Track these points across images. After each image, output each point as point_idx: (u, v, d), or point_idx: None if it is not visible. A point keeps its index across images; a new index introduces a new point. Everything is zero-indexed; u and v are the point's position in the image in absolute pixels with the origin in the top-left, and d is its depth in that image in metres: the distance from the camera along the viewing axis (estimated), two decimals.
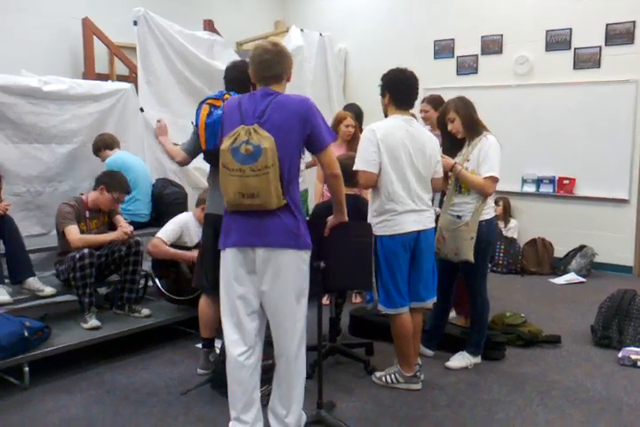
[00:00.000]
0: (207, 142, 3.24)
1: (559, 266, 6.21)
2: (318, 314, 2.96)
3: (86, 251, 3.71)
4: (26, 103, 4.58)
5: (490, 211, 3.57)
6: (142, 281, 4.25)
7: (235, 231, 2.57)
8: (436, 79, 6.64)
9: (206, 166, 3.60)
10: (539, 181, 6.54)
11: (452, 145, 3.67)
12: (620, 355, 3.77)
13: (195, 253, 3.90)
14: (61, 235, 3.91)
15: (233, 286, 2.59)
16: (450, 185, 3.61)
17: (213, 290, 3.38)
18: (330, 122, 5.09)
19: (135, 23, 5.39)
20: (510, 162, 5.47)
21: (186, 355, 3.87)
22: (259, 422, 2.67)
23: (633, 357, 3.71)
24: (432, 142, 3.34)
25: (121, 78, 5.88)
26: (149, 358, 3.84)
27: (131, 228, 4.03)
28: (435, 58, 7.18)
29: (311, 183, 5.51)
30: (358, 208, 3.57)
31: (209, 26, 6.64)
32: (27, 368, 3.37)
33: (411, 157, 3.23)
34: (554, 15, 6.35)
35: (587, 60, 6.22)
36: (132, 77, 5.86)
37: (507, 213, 6.56)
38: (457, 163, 3.53)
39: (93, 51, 5.99)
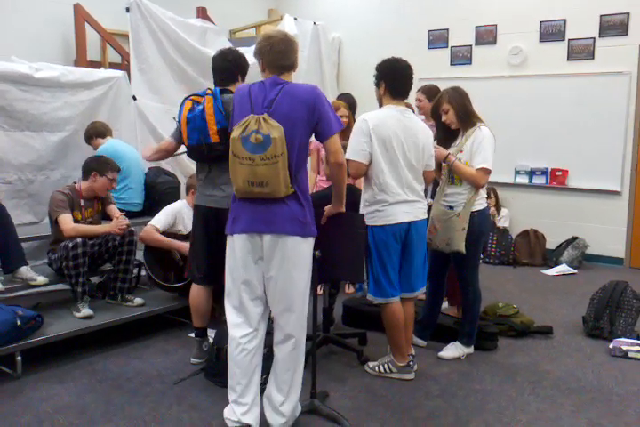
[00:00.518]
0: (189, 138, 3.22)
1: (551, 257, 6.25)
2: (313, 304, 2.96)
3: (79, 240, 3.69)
4: (17, 90, 4.55)
5: (482, 202, 3.57)
6: (135, 270, 4.23)
7: (243, 218, 2.61)
8: (429, 69, 6.62)
9: None
10: (531, 173, 6.55)
11: (445, 136, 3.67)
12: (610, 346, 3.80)
13: (185, 244, 3.89)
14: (54, 223, 3.88)
15: (239, 271, 2.64)
16: (443, 176, 3.61)
17: (204, 281, 3.39)
18: None
19: (127, 10, 5.34)
20: (503, 153, 5.45)
21: (179, 344, 3.86)
22: (256, 406, 2.69)
23: (624, 347, 3.74)
24: (425, 133, 3.33)
25: (113, 66, 5.84)
26: (142, 347, 3.84)
27: (127, 221, 4.00)
28: (429, 48, 7.15)
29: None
30: (352, 198, 3.57)
31: (202, 13, 6.58)
32: (19, 357, 3.35)
33: (403, 148, 3.22)
34: (548, 6, 6.34)
35: (581, 52, 6.22)
36: (124, 65, 5.82)
37: (497, 203, 6.58)
38: (450, 154, 3.53)
39: (85, 38, 5.92)
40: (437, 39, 7.10)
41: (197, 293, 3.46)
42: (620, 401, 3.15)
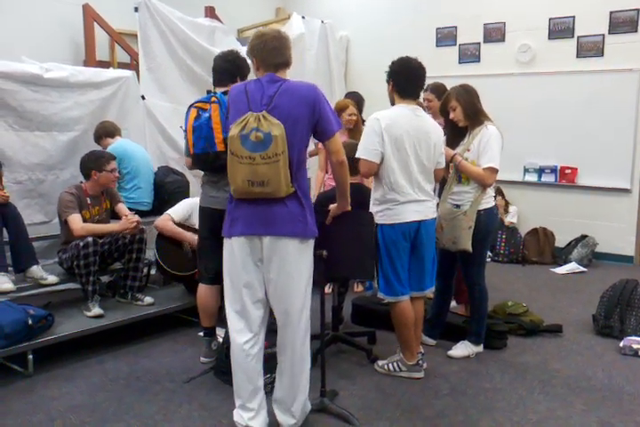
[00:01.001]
0: (194, 146, 3.20)
1: (560, 256, 6.22)
2: (321, 303, 2.96)
3: (90, 239, 3.71)
4: (27, 90, 4.57)
5: (489, 200, 3.56)
6: (145, 269, 4.24)
7: (241, 220, 2.56)
8: (437, 67, 6.56)
9: None
10: (540, 171, 6.53)
11: (454, 134, 3.66)
12: (621, 344, 3.79)
13: (196, 236, 3.90)
14: (64, 224, 3.91)
15: (239, 275, 2.60)
16: (450, 174, 3.61)
17: (212, 281, 3.40)
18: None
19: (136, 9, 5.38)
20: (512, 151, 5.44)
21: (188, 343, 3.88)
22: (263, 409, 2.69)
23: (634, 346, 3.72)
24: (437, 132, 3.33)
25: (122, 66, 5.86)
26: (152, 346, 3.86)
27: (137, 217, 4.02)
28: (437, 46, 7.13)
29: (314, 172, 5.50)
30: (361, 197, 3.57)
31: (210, 13, 6.60)
32: (30, 356, 3.38)
33: (414, 147, 3.22)
34: (557, 3, 6.31)
35: (590, 49, 6.18)
36: (133, 65, 5.83)
37: (504, 202, 6.56)
38: (457, 154, 3.52)
39: (94, 38, 5.94)
40: (446, 37, 7.08)
41: (205, 292, 3.47)
42: (630, 400, 3.13)
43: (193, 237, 4.02)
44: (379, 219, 3.25)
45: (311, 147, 4.97)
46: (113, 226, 4.01)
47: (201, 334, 3.68)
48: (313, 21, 7.12)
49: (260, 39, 2.58)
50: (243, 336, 2.62)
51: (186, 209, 4.17)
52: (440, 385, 3.30)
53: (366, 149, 3.21)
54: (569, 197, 6.42)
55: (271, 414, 2.72)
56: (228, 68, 3.36)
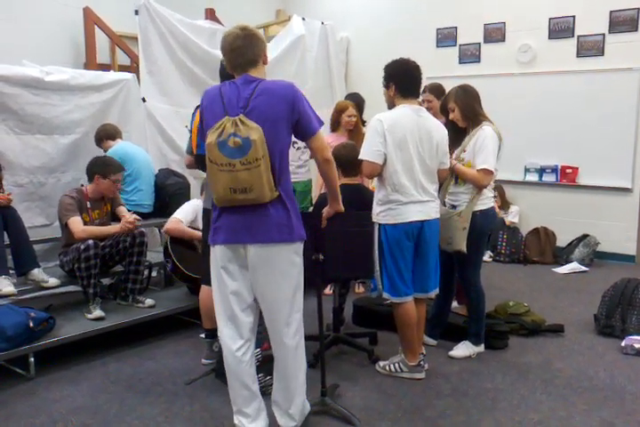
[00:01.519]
0: (198, 147, 3.19)
1: (562, 255, 6.21)
2: (318, 304, 2.96)
3: (91, 242, 3.72)
4: (28, 94, 4.58)
5: (486, 201, 3.56)
6: (146, 272, 4.25)
7: (224, 228, 2.50)
8: (438, 68, 6.60)
9: None
10: (541, 170, 6.52)
11: (455, 134, 3.65)
12: (622, 344, 3.78)
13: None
14: (65, 226, 3.91)
15: (225, 282, 2.55)
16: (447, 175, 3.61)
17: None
18: (332, 111, 5.09)
19: (136, 12, 5.40)
20: (513, 151, 5.46)
21: (190, 345, 3.88)
22: (262, 412, 2.67)
23: (636, 345, 3.71)
24: (440, 132, 3.32)
25: (123, 68, 5.87)
26: (153, 348, 3.86)
27: (135, 216, 4.04)
28: (437, 46, 7.14)
29: (315, 173, 5.52)
30: (361, 197, 3.58)
31: (210, 15, 6.62)
32: (32, 359, 3.39)
33: (417, 148, 3.22)
34: (557, 3, 6.31)
35: (590, 48, 6.18)
36: (133, 67, 5.84)
37: (503, 201, 6.56)
38: (450, 158, 3.53)
39: (95, 41, 5.96)
40: (446, 37, 7.09)
41: (207, 294, 3.45)
42: (632, 400, 3.13)
43: (199, 235, 4.00)
44: (381, 219, 3.26)
45: None
46: (113, 227, 4.02)
47: (202, 335, 3.69)
48: (313, 23, 7.13)
49: (225, 40, 2.49)
50: (234, 343, 2.59)
51: (191, 211, 4.17)
52: (441, 386, 3.30)
53: (369, 151, 3.21)
54: (570, 196, 6.41)
55: (272, 415, 2.72)
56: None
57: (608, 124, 6.08)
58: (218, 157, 2.36)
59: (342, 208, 2.83)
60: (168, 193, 4.80)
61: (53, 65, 5.04)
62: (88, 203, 4.03)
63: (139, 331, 4.01)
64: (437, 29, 7.11)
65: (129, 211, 4.22)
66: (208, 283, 3.43)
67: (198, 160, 3.29)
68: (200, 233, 4.01)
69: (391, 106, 3.40)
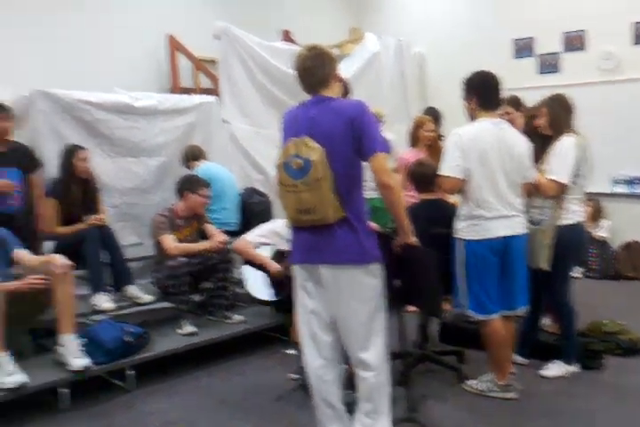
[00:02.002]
0: None
1: None
2: (400, 321, 2.96)
3: (182, 260, 3.87)
4: (119, 119, 4.82)
5: (573, 216, 3.45)
6: (234, 288, 4.35)
7: (297, 248, 2.55)
8: (516, 79, 6.42)
9: None
10: (631, 182, 6.26)
11: (538, 147, 3.58)
12: None
13: (276, 266, 3.95)
14: (157, 244, 4.09)
15: (304, 301, 2.59)
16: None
17: None
18: (409, 127, 5.09)
19: (217, 37, 5.58)
20: (599, 162, 5.25)
21: (277, 361, 3.94)
22: None
23: None
24: (522, 144, 3.27)
25: (205, 91, 6.08)
26: (242, 363, 3.95)
27: (225, 236, 4.18)
28: (514, 57, 7.02)
29: None
30: (440, 214, 3.55)
31: (286, 36, 6.78)
32: (131, 371, 3.54)
33: (500, 162, 3.17)
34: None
35: None
36: (215, 90, 6.04)
37: (597, 216, 6.31)
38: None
39: (178, 66, 6.23)
40: (523, 48, 6.96)
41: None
42: None
43: (271, 265, 4.00)
44: (465, 234, 3.22)
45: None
46: (203, 244, 4.16)
47: (290, 351, 3.74)
48: (387, 39, 7.17)
49: (295, 61, 2.52)
50: (315, 361, 2.61)
51: (263, 234, 4.17)
52: (534, 406, 3.21)
53: (448, 166, 3.19)
54: None
55: None
56: None
57: None
58: (284, 179, 2.42)
59: (412, 240, 2.71)
60: (252, 211, 4.92)
61: (141, 90, 5.30)
62: (179, 221, 4.19)
63: (228, 346, 4.10)
64: (514, 40, 7.00)
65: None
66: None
67: None
68: (271, 264, 4.02)
69: (473, 119, 3.38)
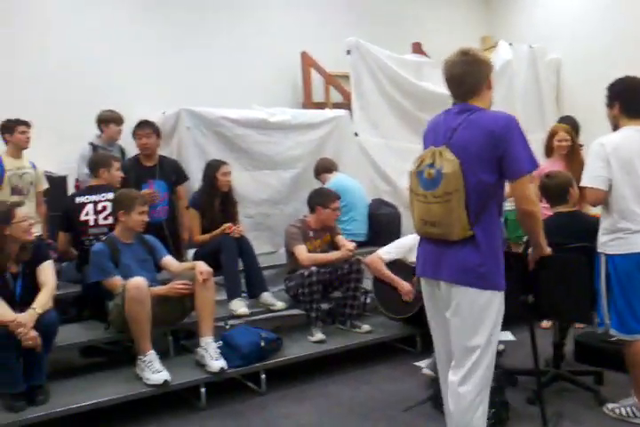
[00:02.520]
0: None
1: None
2: (532, 339, 2.85)
3: (314, 269, 4.00)
4: (256, 134, 5.11)
5: None
6: (362, 298, 4.42)
7: (420, 259, 2.52)
8: None
9: None
10: None
11: None
12: None
13: (406, 285, 3.98)
14: (290, 254, 4.26)
15: (429, 312, 2.57)
16: None
17: None
18: (544, 137, 4.92)
19: (348, 52, 5.74)
20: None
21: (405, 372, 3.94)
22: None
23: None
24: None
25: (336, 106, 6.26)
26: (370, 373, 3.99)
27: (353, 244, 4.30)
28: None
29: None
30: (581, 225, 3.40)
31: (416, 48, 6.81)
32: (263, 375, 3.70)
33: None
34: None
35: None
36: (345, 104, 6.20)
37: None
38: None
39: (311, 82, 6.46)
40: None
41: None
42: None
43: (403, 285, 4.02)
44: (609, 249, 3.04)
45: None
46: (334, 254, 4.27)
47: (418, 363, 3.73)
48: (520, 47, 6.96)
49: (444, 67, 2.39)
50: (444, 371, 2.57)
51: (398, 250, 4.18)
52: None
53: (591, 176, 3.05)
54: None
55: None
56: None
57: None
58: (415, 187, 2.37)
59: (547, 251, 2.64)
60: (381, 223, 4.99)
61: (276, 106, 5.57)
62: (311, 232, 4.34)
63: (356, 355, 4.16)
64: None
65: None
66: None
67: None
68: (402, 284, 4.03)
69: (615, 127, 3.22)
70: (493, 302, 2.34)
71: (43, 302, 3.21)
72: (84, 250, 3.89)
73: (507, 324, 2.47)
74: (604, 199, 3.06)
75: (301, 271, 4.04)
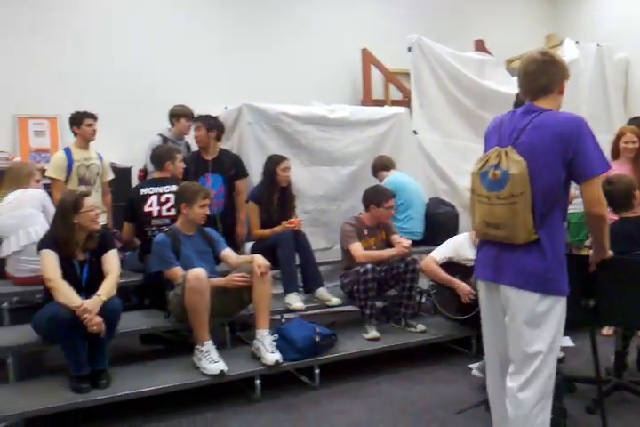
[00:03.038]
0: None
1: None
2: (593, 344, 2.77)
3: (369, 266, 3.99)
4: (315, 130, 5.14)
5: None
6: (418, 297, 4.40)
7: (480, 262, 2.47)
8: None
9: None
10: None
11: None
12: None
13: (465, 286, 3.91)
14: (345, 252, 4.27)
15: (485, 315, 2.53)
16: None
17: None
18: (611, 139, 4.78)
19: (409, 49, 5.70)
20: None
21: (459, 374, 3.89)
22: None
23: None
24: None
25: (395, 103, 6.23)
26: (424, 373, 3.96)
27: (409, 241, 4.28)
28: None
29: None
30: None
31: (479, 46, 6.70)
32: (317, 370, 3.72)
33: None
34: None
35: None
36: (405, 101, 6.16)
37: None
38: None
39: (370, 78, 6.44)
40: None
41: None
42: None
43: (460, 285, 3.95)
44: None
45: None
46: (390, 251, 4.26)
47: (472, 366, 3.69)
48: (587, 45, 6.76)
49: (520, 64, 2.37)
50: (493, 375, 2.54)
51: (449, 250, 4.14)
52: None
53: None
54: None
55: None
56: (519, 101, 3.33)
57: None
58: (478, 188, 2.33)
59: (609, 254, 2.57)
60: (438, 222, 4.94)
61: (335, 103, 5.58)
62: (365, 230, 4.33)
63: (409, 354, 4.15)
64: None
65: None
66: None
67: None
68: (459, 284, 3.95)
69: None
70: (556, 308, 2.28)
71: (107, 289, 3.31)
72: (147, 240, 4.00)
73: (565, 329, 2.39)
74: None
75: (357, 268, 4.04)
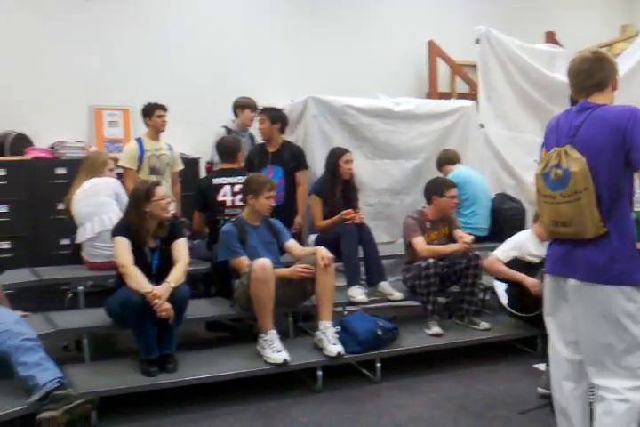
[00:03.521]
0: None
1: None
2: None
3: (431, 261, 3.96)
4: (381, 123, 5.13)
5: None
6: (481, 294, 4.34)
7: (550, 258, 2.45)
8: None
9: None
10: None
11: None
12: None
13: (534, 281, 3.80)
14: (408, 245, 4.25)
15: (550, 313, 2.49)
16: None
17: None
18: None
19: (477, 41, 5.59)
20: None
21: (523, 373, 3.83)
22: None
23: None
24: None
25: (461, 96, 6.13)
26: (486, 371, 3.90)
27: (471, 237, 4.23)
28: None
29: None
30: None
31: (550, 38, 6.51)
32: (379, 364, 3.72)
33: None
34: None
35: None
36: (471, 94, 6.06)
37: None
38: None
39: (436, 71, 6.36)
40: None
41: None
42: None
43: (528, 281, 3.84)
44: None
45: None
46: (452, 246, 4.22)
47: (537, 366, 3.62)
48: None
49: (572, 63, 2.40)
50: (558, 376, 2.49)
51: (512, 248, 4.07)
52: None
53: None
54: None
55: None
56: None
57: None
58: (542, 188, 2.34)
59: None
60: (504, 218, 4.85)
61: (400, 96, 5.54)
62: (428, 224, 4.30)
63: (472, 352, 4.10)
64: None
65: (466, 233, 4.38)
66: None
67: None
68: (528, 280, 3.85)
69: None
70: (633, 299, 2.25)
71: (177, 276, 3.41)
72: (217, 229, 4.05)
73: None
74: None
75: (419, 263, 4.02)
